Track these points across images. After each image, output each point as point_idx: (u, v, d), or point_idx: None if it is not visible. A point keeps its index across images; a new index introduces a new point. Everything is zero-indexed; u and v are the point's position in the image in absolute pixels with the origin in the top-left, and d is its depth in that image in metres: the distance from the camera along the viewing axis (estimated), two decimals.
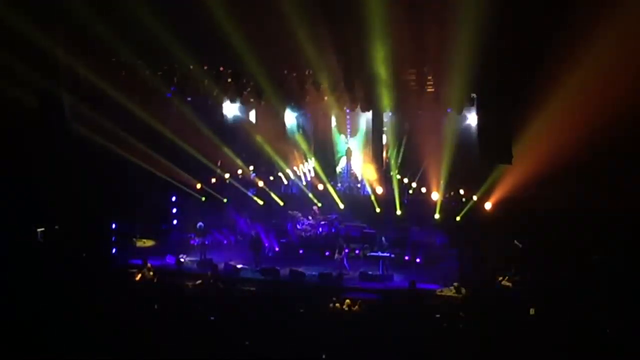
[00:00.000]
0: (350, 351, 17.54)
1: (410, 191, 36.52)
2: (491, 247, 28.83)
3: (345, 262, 30.59)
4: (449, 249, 32.00)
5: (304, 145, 38.53)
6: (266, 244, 33.59)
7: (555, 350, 17.89)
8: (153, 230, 34.48)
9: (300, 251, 33.78)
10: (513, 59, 25.27)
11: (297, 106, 34.96)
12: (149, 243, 34.13)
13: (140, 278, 27.35)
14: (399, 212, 34.23)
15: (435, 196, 32.90)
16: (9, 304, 19.96)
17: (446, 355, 17.66)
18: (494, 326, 19.91)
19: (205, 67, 31.17)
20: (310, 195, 37.23)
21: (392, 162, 36.58)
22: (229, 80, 31.71)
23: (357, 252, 32.41)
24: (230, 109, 36.91)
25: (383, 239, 30.89)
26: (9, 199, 27.76)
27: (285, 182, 39.68)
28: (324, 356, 17.22)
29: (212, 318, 20.55)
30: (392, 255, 30.59)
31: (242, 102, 34.60)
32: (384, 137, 36.59)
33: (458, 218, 31.49)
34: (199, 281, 27.45)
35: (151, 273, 27.63)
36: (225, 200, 36.90)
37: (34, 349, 16.76)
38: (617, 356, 17.33)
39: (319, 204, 36.58)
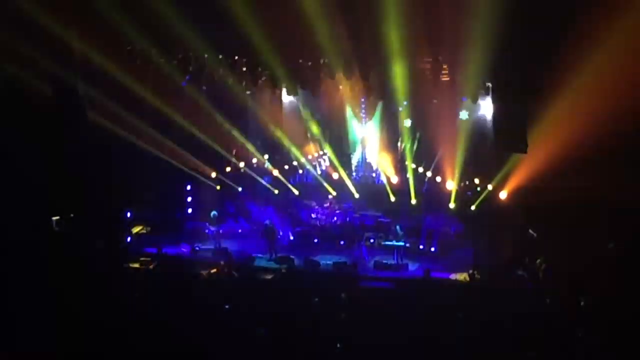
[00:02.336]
0: (366, 340, 17.53)
1: (426, 180, 36.49)
2: (506, 236, 28.81)
3: (364, 251, 30.64)
4: (463, 238, 31.98)
5: (319, 134, 38.47)
6: (281, 233, 33.62)
7: (572, 339, 17.88)
8: (169, 219, 34.46)
9: (315, 240, 33.65)
10: (529, 48, 25.17)
11: (312, 95, 34.63)
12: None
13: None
14: (413, 201, 34.25)
15: (451, 185, 32.88)
16: (25, 293, 19.99)
17: (458, 342, 17.62)
18: (509, 314, 19.85)
19: (220, 56, 31.19)
20: (325, 184, 37.21)
21: (407, 150, 36.52)
22: (244, 69, 31.73)
23: (371, 241, 32.36)
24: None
25: (398, 227, 30.92)
26: (23, 188, 27.86)
27: (300, 171, 39.71)
28: (338, 345, 17.23)
29: (227, 307, 20.59)
30: (407, 244, 30.64)
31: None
32: (399, 125, 36.55)
33: (473, 207, 31.51)
34: (214, 270, 27.47)
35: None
36: (240, 188, 36.97)
37: (48, 339, 16.80)
38: (634, 343, 17.26)
39: (334, 193, 36.63)
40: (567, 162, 25.14)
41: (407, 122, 36.02)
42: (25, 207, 27.61)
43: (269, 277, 27.34)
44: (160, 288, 23.31)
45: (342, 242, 32.59)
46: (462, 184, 33.29)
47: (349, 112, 38.61)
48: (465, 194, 32.95)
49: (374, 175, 39.72)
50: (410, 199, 34.47)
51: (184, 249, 31.55)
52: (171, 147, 32.45)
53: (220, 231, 33.06)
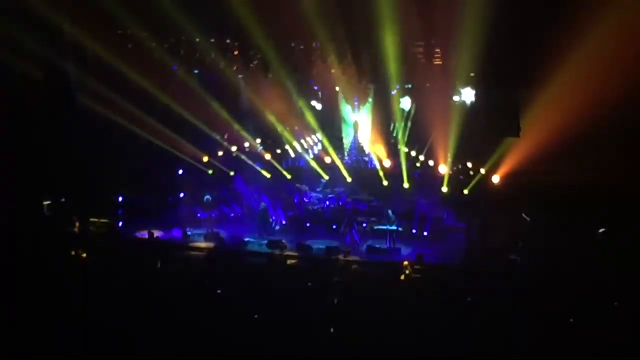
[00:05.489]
0: (358, 324, 17.48)
1: (418, 164, 36.41)
2: (499, 220, 28.77)
3: (355, 235, 30.55)
4: (456, 222, 31.93)
5: (311, 118, 38.34)
6: (273, 217, 33.52)
7: (562, 323, 17.86)
8: (161, 203, 34.32)
9: (307, 224, 33.49)
10: (522, 32, 25.15)
11: (304, 78, 34.57)
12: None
13: None
14: (406, 185, 34.17)
15: (443, 169, 32.81)
16: (15, 277, 19.93)
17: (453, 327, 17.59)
18: (502, 300, 19.81)
19: (212, 40, 31.05)
20: (318, 168, 37.13)
21: (400, 135, 36.46)
22: (236, 52, 31.59)
23: (364, 225, 32.27)
24: None
25: (390, 212, 30.79)
26: (15, 172, 27.73)
27: (293, 155, 39.60)
28: (331, 329, 17.18)
29: (219, 291, 20.53)
30: (400, 229, 30.51)
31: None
32: (392, 109, 36.45)
33: (466, 191, 31.44)
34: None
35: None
36: (232, 173, 36.85)
37: (41, 322, 16.74)
38: (623, 330, 17.25)
39: (326, 177, 36.55)
40: (560, 146, 25.13)
41: (405, 103, 35.98)
42: (16, 192, 27.54)
43: (262, 261, 27.31)
44: (152, 272, 23.29)
45: (334, 227, 32.46)
46: (454, 168, 33.25)
47: (341, 96, 38.53)
48: (458, 178, 32.91)
49: (366, 159, 39.67)
50: (402, 182, 34.37)
51: (176, 234, 31.39)
52: (163, 131, 32.27)
53: (213, 216, 32.87)
